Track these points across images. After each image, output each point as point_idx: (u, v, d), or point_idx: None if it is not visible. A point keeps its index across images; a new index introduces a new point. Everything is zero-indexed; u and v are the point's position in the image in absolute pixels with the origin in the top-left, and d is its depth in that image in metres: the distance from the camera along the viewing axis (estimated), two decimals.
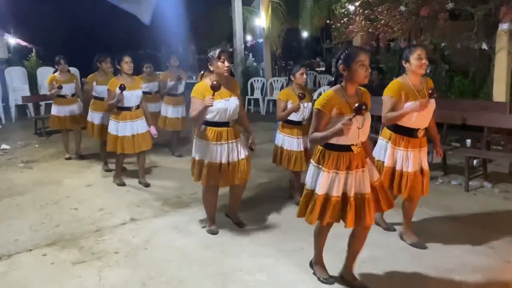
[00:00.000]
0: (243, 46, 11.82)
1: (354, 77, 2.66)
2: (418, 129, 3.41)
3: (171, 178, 5.73)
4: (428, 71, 9.13)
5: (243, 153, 3.81)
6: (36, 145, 8.11)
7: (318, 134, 2.67)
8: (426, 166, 3.49)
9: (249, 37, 15.42)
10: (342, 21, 8.17)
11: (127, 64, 5.00)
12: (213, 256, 3.55)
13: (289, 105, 4.40)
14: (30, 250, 3.75)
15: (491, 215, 4.29)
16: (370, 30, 7.56)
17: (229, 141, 3.71)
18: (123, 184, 5.44)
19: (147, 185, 5.41)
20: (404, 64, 3.44)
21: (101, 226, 4.25)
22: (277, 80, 11.32)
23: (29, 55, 13.78)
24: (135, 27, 11.14)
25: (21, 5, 14.69)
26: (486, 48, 6.44)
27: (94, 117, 6.03)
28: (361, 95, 2.79)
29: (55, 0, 15.47)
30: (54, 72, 6.73)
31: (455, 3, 5.45)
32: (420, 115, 3.33)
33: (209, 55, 3.61)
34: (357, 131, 2.64)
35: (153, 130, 5.31)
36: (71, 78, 6.68)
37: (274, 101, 11.05)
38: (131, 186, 5.46)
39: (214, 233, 3.95)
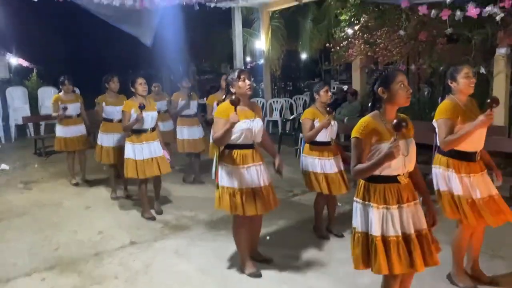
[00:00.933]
0: (243, 67, 11.94)
1: (396, 99, 2.47)
2: (476, 151, 3.15)
3: (170, 200, 5.71)
4: (426, 93, 9.26)
5: (269, 178, 3.58)
6: (36, 166, 8.10)
7: (363, 165, 2.43)
8: (495, 190, 3.17)
9: (249, 59, 15.57)
10: (342, 44, 8.28)
11: (141, 85, 4.89)
12: (214, 282, 3.51)
13: (316, 124, 4.15)
14: (29, 274, 3.71)
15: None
16: (369, 53, 7.67)
17: (256, 164, 3.47)
18: (154, 218, 5.03)
19: (160, 212, 5.20)
20: (450, 84, 3.24)
21: (101, 250, 4.21)
22: (277, 101, 11.39)
23: (30, 75, 13.88)
24: (135, 47, 11.26)
25: (23, 25, 14.85)
26: (484, 72, 6.52)
27: (103, 139, 5.81)
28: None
29: (56, 20, 15.64)
30: (58, 92, 6.72)
31: (453, 28, 5.53)
32: (476, 136, 3.07)
33: (228, 78, 3.50)
34: (402, 159, 2.40)
35: (166, 154, 5.11)
36: (76, 98, 6.57)
37: (274, 122, 11.14)
38: (130, 207, 5.44)
39: (258, 276, 3.53)
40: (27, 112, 11.17)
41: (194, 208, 5.26)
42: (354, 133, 2.48)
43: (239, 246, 3.61)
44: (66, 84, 6.47)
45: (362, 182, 2.54)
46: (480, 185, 3.10)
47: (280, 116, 10.97)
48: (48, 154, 8.80)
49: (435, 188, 3.27)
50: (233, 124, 3.25)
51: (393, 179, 2.46)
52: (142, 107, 4.71)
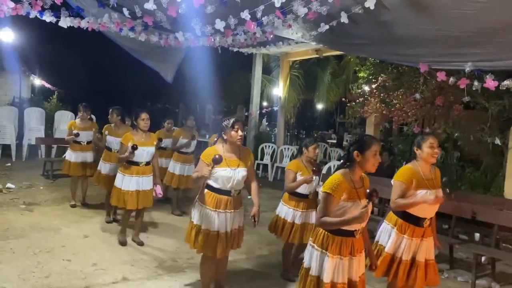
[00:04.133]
0: (258, 112, 12.05)
1: (366, 165, 2.76)
2: (425, 218, 3.37)
3: (169, 238, 5.60)
4: (439, 157, 9.17)
5: (240, 223, 3.73)
6: (41, 187, 8.09)
7: (331, 220, 2.68)
8: (430, 256, 3.43)
9: (265, 103, 15.77)
10: (358, 100, 8.33)
11: (143, 121, 5.04)
12: None
13: (299, 177, 4.34)
14: None
15: None
16: (384, 112, 7.69)
17: (228, 211, 3.58)
18: (125, 244, 5.19)
19: (140, 243, 5.25)
20: (415, 151, 3.45)
21: (92, 283, 4.10)
22: (288, 148, 11.39)
23: (50, 97, 14.17)
24: (156, 81, 11.49)
25: (49, 49, 15.37)
26: (500, 143, 6.46)
27: (102, 166, 6.05)
28: (363, 180, 2.88)
29: (81, 47, 16.16)
30: (75, 118, 6.88)
31: (471, 97, 5.54)
32: (429, 205, 3.30)
33: (223, 124, 3.62)
34: None
35: (158, 189, 5.21)
36: (90, 126, 6.77)
37: (283, 169, 11.07)
38: (129, 242, 5.33)
39: None
40: (41, 133, 11.33)
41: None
42: (327, 188, 2.71)
43: (202, 279, 3.85)
44: (81, 111, 6.69)
45: (321, 231, 2.79)
46: (420, 249, 3.36)
47: None
48: (55, 177, 8.81)
49: (376, 239, 3.55)
50: (202, 177, 3.50)
51: (350, 233, 2.75)
52: (134, 148, 4.83)
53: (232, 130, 3.54)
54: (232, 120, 3.57)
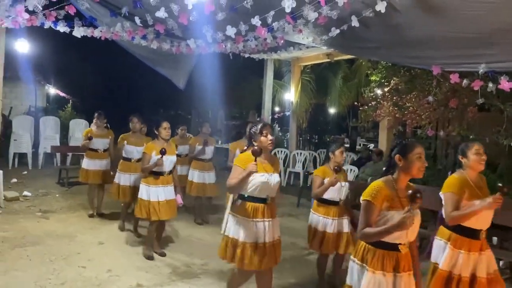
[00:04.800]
0: (270, 117, 12.06)
1: (410, 169, 2.52)
2: (481, 230, 3.15)
3: (182, 245, 5.63)
4: (452, 160, 9.04)
5: (277, 233, 3.52)
6: (57, 195, 8.20)
7: (372, 230, 2.45)
8: (492, 269, 3.15)
9: (277, 108, 15.78)
10: (370, 104, 8.27)
11: (165, 130, 4.98)
12: None
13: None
14: None
15: None
16: (397, 115, 7.61)
17: (265, 219, 3.39)
18: (152, 258, 5.02)
19: (162, 254, 5.17)
20: (460, 159, 3.26)
21: None
22: (301, 153, 11.36)
23: (65, 106, 14.40)
24: (168, 88, 11.58)
25: (63, 59, 15.67)
26: None
27: (121, 178, 5.96)
28: (410, 189, 2.59)
29: (94, 56, 16.42)
30: (90, 126, 6.92)
31: (485, 99, 5.45)
32: (484, 215, 3.08)
33: (251, 131, 3.52)
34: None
35: (179, 199, 5.15)
36: (106, 134, 6.71)
37: (296, 173, 11.06)
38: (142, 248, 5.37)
39: None
40: (56, 141, 11.49)
41: (205, 255, 5.14)
42: (366, 196, 2.52)
43: None
44: (95, 118, 6.70)
45: (362, 244, 2.58)
46: (480, 264, 3.08)
47: (303, 168, 10.89)
48: (71, 185, 8.92)
49: (431, 260, 3.28)
50: (250, 173, 3.24)
51: (394, 247, 2.49)
52: (163, 153, 4.77)
53: (261, 136, 3.43)
54: (260, 126, 3.47)
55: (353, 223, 4.25)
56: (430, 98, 6.40)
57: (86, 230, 6.02)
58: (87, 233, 5.91)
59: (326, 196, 4.24)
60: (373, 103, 8.15)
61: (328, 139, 17.40)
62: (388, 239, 2.46)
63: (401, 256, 2.50)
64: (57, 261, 4.78)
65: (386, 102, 7.65)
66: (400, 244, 2.49)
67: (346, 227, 4.28)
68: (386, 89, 7.77)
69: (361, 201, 2.55)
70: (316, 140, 17.46)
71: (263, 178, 3.35)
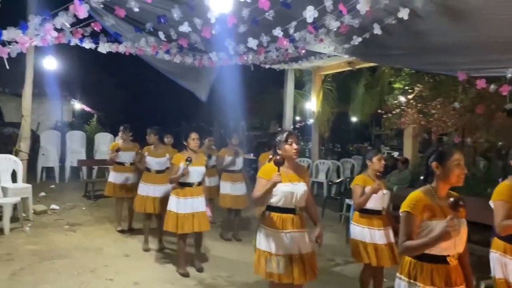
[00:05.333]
0: (292, 127, 12.03)
1: (449, 177, 2.40)
2: None
3: (207, 257, 5.61)
4: (482, 167, 8.82)
5: (310, 246, 3.36)
6: (83, 208, 8.33)
7: (414, 243, 2.33)
8: None
9: (298, 118, 15.73)
10: (394, 111, 8.17)
11: (194, 141, 4.97)
12: None
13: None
14: None
15: None
16: (422, 122, 7.50)
17: (295, 230, 3.27)
18: (188, 275, 4.90)
19: (200, 270, 5.08)
20: (511, 165, 3.12)
21: None
22: (323, 163, 11.26)
23: (90, 120, 14.71)
24: (190, 100, 11.73)
25: (88, 74, 16.08)
26: None
27: (141, 188, 5.94)
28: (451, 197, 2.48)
29: (118, 71, 16.79)
30: (116, 139, 7.00)
31: None
32: None
33: (276, 139, 3.42)
34: (453, 239, 2.28)
35: (208, 211, 5.08)
36: (132, 147, 6.71)
37: (319, 183, 10.96)
38: (168, 261, 5.39)
39: None
40: (82, 155, 11.73)
41: (231, 268, 5.12)
42: (405, 207, 2.40)
43: None
44: (120, 132, 6.78)
45: (408, 259, 2.43)
46: None
47: (326, 178, 10.79)
48: (96, 198, 9.06)
49: (492, 274, 3.08)
50: (274, 184, 3.16)
51: (442, 259, 2.35)
52: (189, 161, 4.75)
53: (286, 144, 3.33)
54: (285, 134, 3.36)
55: (396, 234, 4.09)
56: (456, 105, 6.29)
57: (112, 243, 6.09)
58: (113, 245, 5.98)
59: (368, 205, 4.05)
60: (397, 110, 8.06)
61: (351, 148, 17.24)
62: (435, 251, 2.33)
63: (451, 268, 2.37)
64: (85, 274, 4.84)
65: (411, 109, 7.55)
66: (448, 256, 2.36)
67: (392, 237, 4.08)
68: (410, 96, 7.68)
69: (400, 213, 2.44)
70: (339, 150, 17.32)
71: (287, 188, 3.25)
